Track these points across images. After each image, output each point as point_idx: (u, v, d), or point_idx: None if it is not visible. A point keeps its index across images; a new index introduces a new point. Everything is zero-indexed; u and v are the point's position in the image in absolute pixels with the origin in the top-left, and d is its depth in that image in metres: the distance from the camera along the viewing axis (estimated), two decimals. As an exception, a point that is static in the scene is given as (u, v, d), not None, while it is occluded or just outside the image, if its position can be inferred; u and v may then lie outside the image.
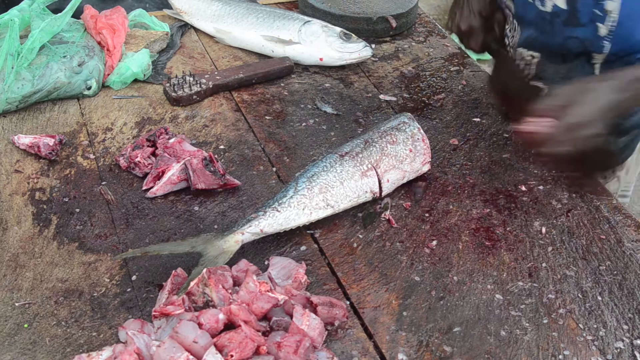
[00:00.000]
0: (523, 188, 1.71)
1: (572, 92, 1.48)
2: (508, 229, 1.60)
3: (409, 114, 1.75)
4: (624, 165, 1.93)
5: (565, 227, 1.61)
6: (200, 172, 1.63)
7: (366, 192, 1.61)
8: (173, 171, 1.62)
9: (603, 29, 1.68)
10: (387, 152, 1.65)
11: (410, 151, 1.67)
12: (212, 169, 1.65)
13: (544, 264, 1.51)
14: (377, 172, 1.62)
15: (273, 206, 1.52)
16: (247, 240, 1.48)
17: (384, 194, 1.65)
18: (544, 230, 1.60)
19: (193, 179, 1.62)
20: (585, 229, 1.61)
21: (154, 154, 1.71)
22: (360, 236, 1.56)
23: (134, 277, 1.43)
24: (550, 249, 1.55)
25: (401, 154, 1.66)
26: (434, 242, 1.55)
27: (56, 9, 2.00)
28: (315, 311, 1.31)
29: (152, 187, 1.64)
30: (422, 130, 1.70)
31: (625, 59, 1.70)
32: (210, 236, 1.46)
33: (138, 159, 1.67)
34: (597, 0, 1.65)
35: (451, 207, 1.65)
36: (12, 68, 1.82)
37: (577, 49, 1.75)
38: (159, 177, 1.64)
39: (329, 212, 1.57)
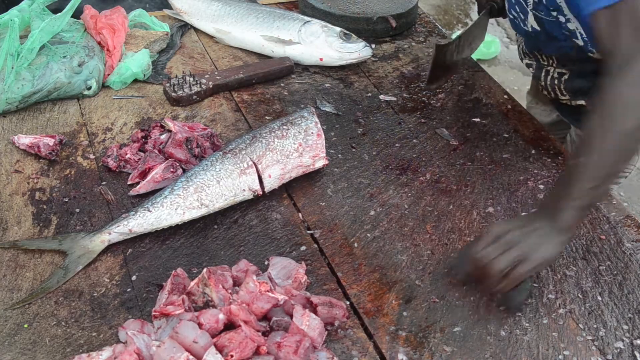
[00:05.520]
0: (523, 188, 1.71)
1: (515, 237, 1.39)
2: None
3: (312, 108, 1.75)
4: None
5: (565, 227, 1.61)
6: (176, 142, 1.67)
7: (244, 190, 1.59)
8: (157, 170, 1.63)
9: (580, 41, 1.69)
10: (273, 147, 1.63)
11: (300, 145, 1.66)
12: (188, 146, 1.69)
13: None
14: (257, 169, 1.60)
15: (146, 206, 1.52)
16: (115, 240, 1.49)
17: (267, 190, 1.63)
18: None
19: (167, 145, 1.67)
20: (585, 229, 1.61)
21: (142, 149, 1.71)
22: (360, 236, 1.56)
23: (133, 277, 1.43)
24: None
25: (288, 149, 1.65)
26: (435, 243, 1.55)
27: (56, 9, 2.00)
28: (315, 311, 1.31)
29: (137, 183, 1.64)
30: (319, 125, 1.69)
31: None
32: (77, 235, 1.49)
33: (128, 155, 1.67)
34: (560, 24, 1.69)
35: (451, 207, 1.65)
36: (12, 68, 1.82)
37: (575, 53, 1.76)
38: (144, 174, 1.65)
39: (203, 211, 1.55)
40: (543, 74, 1.91)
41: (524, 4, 1.75)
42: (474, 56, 2.23)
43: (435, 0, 4.15)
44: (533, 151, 1.84)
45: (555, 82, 1.88)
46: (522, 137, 1.89)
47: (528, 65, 1.98)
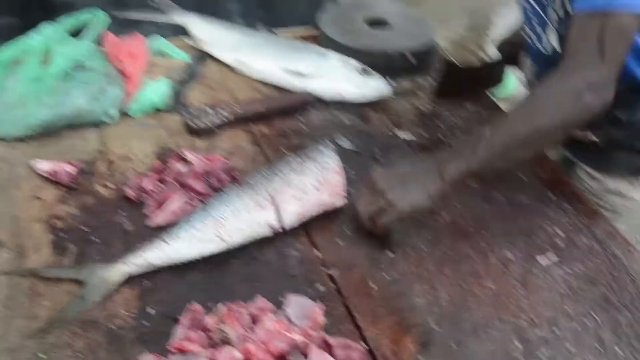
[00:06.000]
0: (542, 233, 1.71)
1: (386, 185, 1.56)
2: (527, 275, 1.59)
3: (331, 144, 1.75)
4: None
5: (584, 274, 1.60)
6: (195, 175, 1.68)
7: (262, 225, 1.58)
8: (175, 202, 1.63)
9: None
10: (291, 183, 1.62)
11: (319, 182, 1.65)
12: (207, 179, 1.69)
13: (563, 313, 1.50)
14: (274, 204, 1.59)
15: (164, 238, 1.51)
16: (134, 273, 1.48)
17: (287, 227, 1.62)
18: (563, 277, 1.59)
19: (185, 177, 1.68)
20: (605, 277, 1.61)
21: (162, 180, 1.71)
22: (378, 277, 1.55)
23: (151, 311, 1.42)
24: (569, 297, 1.54)
25: (306, 185, 1.64)
26: (453, 286, 1.55)
27: (77, 34, 2.01)
28: (331, 353, 1.31)
29: (156, 215, 1.64)
30: (338, 163, 1.69)
31: None
32: (96, 265, 1.48)
33: (147, 186, 1.68)
34: None
35: (470, 250, 1.64)
36: (34, 93, 1.83)
37: None
38: (163, 205, 1.64)
39: (221, 246, 1.54)
40: None
41: (545, 17, 1.74)
42: (494, 95, 2.24)
43: (451, 34, 4.15)
44: (550, 194, 1.83)
45: None
46: (539, 179, 1.89)
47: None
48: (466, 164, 1.52)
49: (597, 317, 1.50)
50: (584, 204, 1.82)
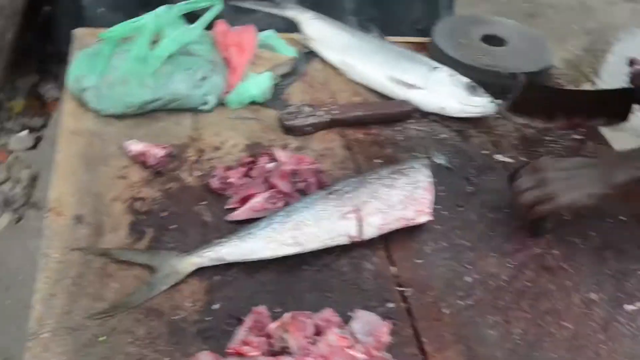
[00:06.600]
0: (634, 279, 1.61)
1: (551, 176, 1.56)
2: (610, 321, 1.50)
3: (426, 161, 1.71)
4: None
5: (673, 327, 1.51)
6: (282, 174, 1.65)
7: (341, 235, 1.54)
8: (258, 199, 1.61)
9: None
10: (378, 196, 1.58)
11: (406, 197, 1.60)
12: (293, 179, 1.66)
13: (646, 366, 1.42)
14: (358, 215, 1.55)
15: (240, 235, 1.49)
16: (205, 265, 1.46)
17: (366, 238, 1.57)
18: (652, 326, 1.50)
19: (272, 175, 1.66)
20: None
21: (248, 175, 1.70)
22: (452, 302, 1.49)
23: (216, 306, 1.41)
24: (654, 348, 1.45)
25: (393, 199, 1.59)
26: (529, 322, 1.47)
27: (192, 17, 2.02)
28: (390, 376, 1.26)
29: (236, 209, 1.62)
30: (430, 179, 1.64)
31: None
32: (169, 254, 1.47)
33: (232, 179, 1.66)
34: None
35: (552, 286, 1.57)
36: (137, 73, 1.84)
37: None
38: (245, 200, 1.63)
39: (297, 249, 1.51)
40: None
41: None
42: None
43: (566, 54, 4.01)
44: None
45: None
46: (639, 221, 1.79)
47: None
48: (634, 173, 1.48)
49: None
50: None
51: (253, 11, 2.42)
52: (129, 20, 1.96)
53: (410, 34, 2.59)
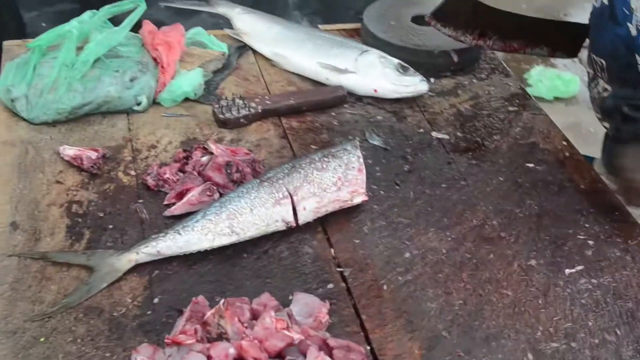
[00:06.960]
0: (571, 242, 1.64)
1: None
2: (549, 285, 1.53)
3: (356, 141, 1.71)
4: None
5: (611, 287, 1.53)
6: (216, 166, 1.65)
7: (277, 221, 1.56)
8: (194, 193, 1.61)
9: (633, 29, 1.62)
10: (311, 179, 1.60)
11: (339, 179, 1.62)
12: (228, 170, 1.67)
13: (582, 326, 1.44)
14: (292, 200, 1.57)
15: (176, 229, 1.50)
16: (142, 260, 1.47)
17: (301, 222, 1.59)
18: (588, 289, 1.52)
19: (206, 168, 1.67)
20: (633, 291, 1.53)
21: (182, 170, 1.70)
22: (392, 279, 1.51)
23: (156, 300, 1.41)
24: (592, 309, 1.47)
25: (326, 182, 1.61)
26: (469, 292, 1.49)
27: (118, 21, 2.01)
28: (330, 354, 1.27)
29: (173, 204, 1.63)
30: (361, 160, 1.65)
31: None
32: (106, 252, 1.48)
33: (167, 175, 1.67)
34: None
35: (492, 256, 1.59)
36: (65, 79, 1.84)
37: (622, 50, 1.69)
38: (181, 195, 1.63)
39: (233, 239, 1.53)
40: (593, 84, 1.86)
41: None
42: (550, 95, 2.15)
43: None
44: (587, 204, 1.76)
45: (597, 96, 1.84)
46: (576, 188, 1.81)
47: (588, 75, 1.92)
48: None
49: (619, 332, 1.43)
50: (621, 216, 1.73)
51: (197, 13, 2.43)
52: (54, 28, 1.96)
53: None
